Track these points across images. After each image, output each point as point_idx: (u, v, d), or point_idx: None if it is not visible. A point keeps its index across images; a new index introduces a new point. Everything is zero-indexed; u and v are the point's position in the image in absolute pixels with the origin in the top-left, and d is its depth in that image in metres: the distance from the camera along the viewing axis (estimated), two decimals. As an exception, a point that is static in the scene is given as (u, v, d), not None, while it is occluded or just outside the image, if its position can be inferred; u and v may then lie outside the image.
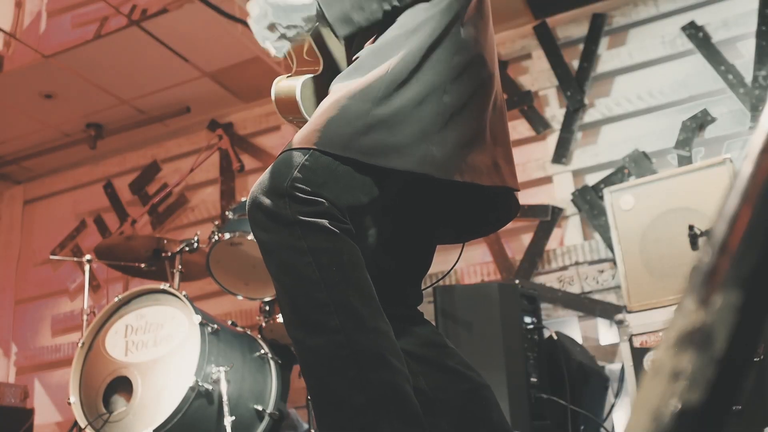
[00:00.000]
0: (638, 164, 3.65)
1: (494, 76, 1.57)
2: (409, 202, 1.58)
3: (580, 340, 3.43)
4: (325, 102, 1.42)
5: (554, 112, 3.98)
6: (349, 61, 1.59)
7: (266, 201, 1.32)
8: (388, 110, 1.37)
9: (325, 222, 1.29)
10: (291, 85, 1.55)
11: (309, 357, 1.29)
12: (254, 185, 1.38)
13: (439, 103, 1.41)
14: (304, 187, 1.30)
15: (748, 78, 3.52)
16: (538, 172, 3.91)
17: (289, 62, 1.63)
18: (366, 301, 1.29)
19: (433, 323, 2.86)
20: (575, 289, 3.64)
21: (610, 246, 3.53)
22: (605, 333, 3.56)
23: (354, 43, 1.58)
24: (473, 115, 1.49)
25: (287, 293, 1.31)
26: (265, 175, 1.37)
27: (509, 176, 1.59)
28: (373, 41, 1.49)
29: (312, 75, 1.57)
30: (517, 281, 3.19)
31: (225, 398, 2.65)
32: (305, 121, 1.53)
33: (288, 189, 1.30)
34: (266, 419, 2.89)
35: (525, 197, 3.93)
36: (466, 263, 3.98)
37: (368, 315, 1.28)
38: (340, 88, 1.42)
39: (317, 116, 1.40)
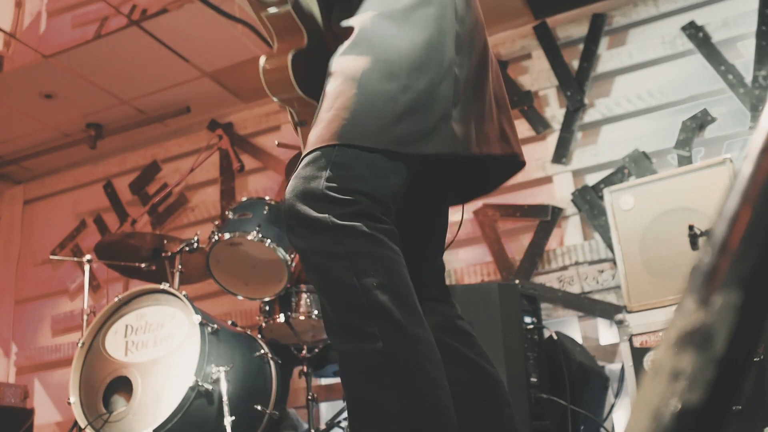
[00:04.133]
0: (638, 164, 3.65)
1: (487, 40, 1.55)
2: (422, 177, 1.54)
3: (580, 340, 3.43)
4: (337, 84, 1.36)
5: (554, 112, 3.98)
6: (330, 25, 1.53)
7: (302, 207, 1.27)
8: (414, 95, 1.33)
9: (363, 225, 1.26)
10: (281, 61, 1.48)
11: (347, 363, 1.27)
12: (287, 191, 1.33)
13: (453, 79, 1.38)
14: (338, 185, 1.27)
15: (748, 78, 3.52)
16: (538, 172, 3.91)
17: (269, 39, 1.55)
18: (405, 307, 1.25)
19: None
20: (575, 289, 3.64)
21: (610, 246, 3.53)
22: (605, 333, 3.56)
23: (335, 9, 1.51)
24: (480, 84, 1.47)
25: (326, 299, 1.29)
26: (296, 180, 1.33)
27: (515, 143, 1.58)
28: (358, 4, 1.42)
29: (298, 49, 1.49)
30: (517, 281, 3.19)
31: (225, 398, 2.65)
32: (297, 99, 1.48)
33: (323, 191, 1.27)
34: (266, 419, 2.89)
35: (525, 197, 3.93)
36: (466, 263, 3.99)
37: (407, 322, 1.24)
38: (351, 68, 1.36)
39: (339, 105, 1.33)
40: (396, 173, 1.33)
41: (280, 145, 3.55)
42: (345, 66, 1.37)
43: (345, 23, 1.44)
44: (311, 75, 1.49)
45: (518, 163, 1.62)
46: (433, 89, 1.35)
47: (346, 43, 1.41)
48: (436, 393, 1.23)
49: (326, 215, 1.25)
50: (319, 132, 1.34)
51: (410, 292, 1.28)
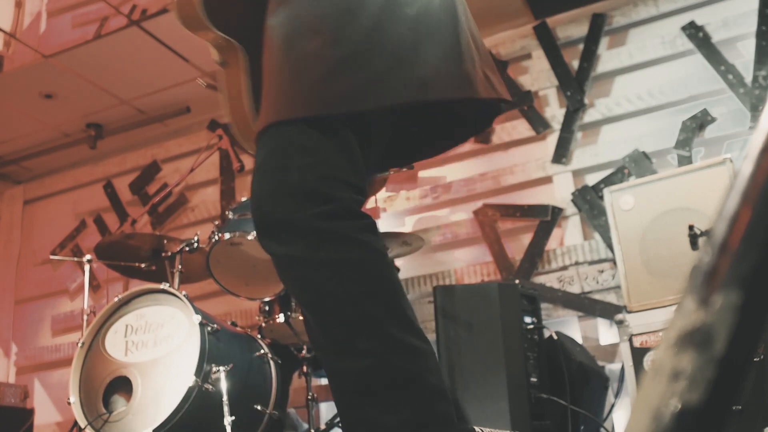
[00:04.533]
0: (638, 164, 3.65)
1: None
2: (398, 126, 1.39)
3: (580, 340, 3.43)
4: (268, 54, 1.24)
5: (554, 112, 3.98)
6: None
7: (274, 206, 1.15)
8: (349, 46, 1.18)
9: (344, 226, 1.14)
10: None
11: (339, 381, 1.17)
12: (255, 187, 1.20)
13: (402, 20, 1.22)
14: (311, 176, 1.14)
15: (748, 78, 3.52)
16: (538, 172, 3.91)
17: None
18: (396, 316, 1.15)
19: (433, 323, 2.86)
20: (575, 289, 3.64)
21: (610, 246, 3.53)
22: (605, 333, 3.56)
23: None
24: (449, 23, 1.31)
25: (309, 312, 1.18)
26: (262, 173, 1.20)
27: (500, 85, 1.39)
28: None
29: None
30: (517, 281, 3.19)
31: (225, 398, 2.65)
32: (218, 37, 1.34)
33: (297, 184, 1.14)
34: (266, 419, 2.89)
35: (525, 197, 3.93)
36: (466, 263, 3.99)
37: (399, 332, 1.14)
38: (277, 33, 1.23)
39: (274, 79, 1.20)
40: (363, 139, 1.21)
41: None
42: (272, 32, 1.25)
43: None
44: (231, 11, 1.36)
45: (499, 107, 1.45)
46: (374, 35, 1.19)
47: (274, 3, 1.29)
48: (436, 402, 1.15)
49: (304, 215, 1.13)
50: (264, 112, 1.21)
51: (400, 297, 1.18)
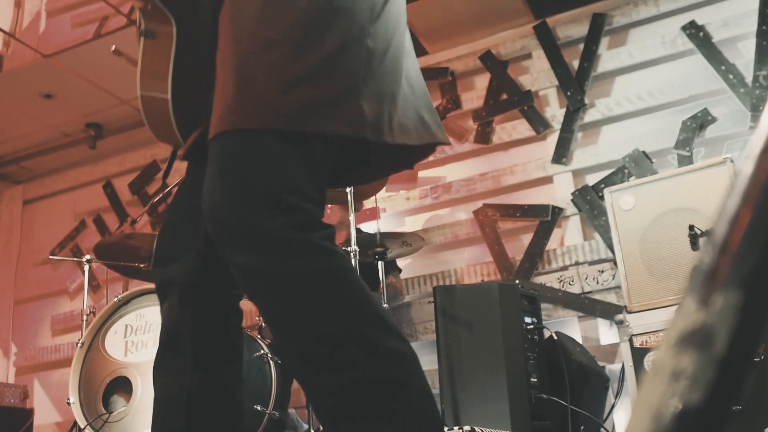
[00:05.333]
0: (638, 164, 3.65)
1: (406, 23, 1.35)
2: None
3: (580, 341, 3.43)
4: (224, 56, 1.20)
5: (554, 112, 3.98)
6: None
7: (239, 213, 1.09)
8: (313, 61, 1.14)
9: (311, 236, 1.10)
10: None
11: (319, 395, 1.10)
12: (212, 192, 1.12)
13: (363, 49, 1.19)
14: (276, 185, 1.09)
15: (749, 78, 3.52)
16: (538, 172, 3.91)
17: None
18: (374, 321, 1.11)
19: (433, 323, 2.86)
20: (575, 289, 3.64)
21: (610, 246, 3.53)
22: (605, 333, 3.56)
23: None
24: (396, 62, 1.27)
25: (283, 327, 1.12)
26: (223, 178, 1.13)
27: (436, 128, 1.34)
28: None
29: None
30: (517, 281, 3.19)
31: (225, 398, 2.64)
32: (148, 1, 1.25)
33: (262, 193, 1.09)
34: (266, 419, 2.88)
35: (525, 197, 3.93)
36: (466, 263, 3.99)
37: (380, 338, 1.09)
38: (238, 34, 1.19)
39: (228, 82, 1.16)
40: (323, 157, 1.17)
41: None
42: (232, 28, 1.20)
43: None
44: None
45: (432, 149, 1.39)
46: (334, 60, 1.16)
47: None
48: (426, 405, 1.12)
49: (270, 225, 1.08)
50: (219, 114, 1.16)
51: (374, 301, 1.14)
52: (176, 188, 1.46)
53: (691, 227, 2.66)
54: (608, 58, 3.92)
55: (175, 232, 1.36)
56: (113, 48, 2.93)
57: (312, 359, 1.09)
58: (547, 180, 3.91)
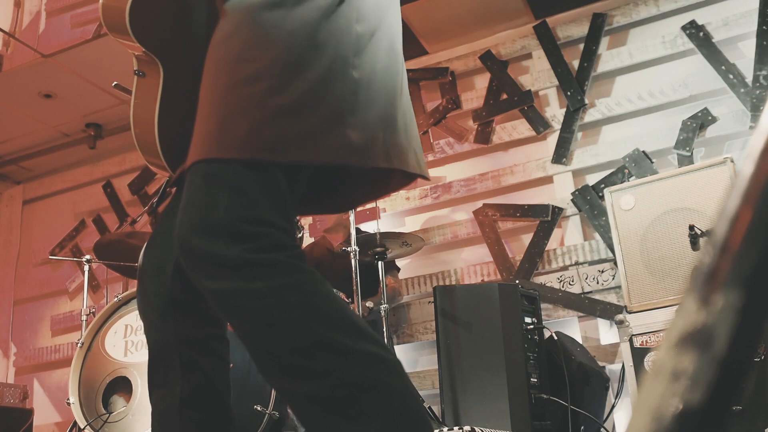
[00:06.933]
0: (638, 164, 3.64)
1: (401, 52, 1.38)
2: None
3: (580, 341, 3.43)
4: (208, 87, 1.24)
5: (554, 112, 3.98)
6: None
7: (203, 243, 1.14)
8: (292, 96, 1.19)
9: (276, 255, 1.14)
10: (120, 1, 1.31)
11: (302, 406, 1.14)
12: (180, 224, 1.18)
13: (347, 82, 1.23)
14: (240, 215, 1.14)
15: (749, 78, 3.52)
16: (539, 172, 3.91)
17: None
18: (345, 328, 1.14)
19: (433, 323, 2.86)
20: (575, 289, 3.64)
21: (610, 246, 3.53)
22: (606, 333, 3.56)
23: None
24: (389, 89, 1.32)
25: (258, 345, 1.15)
26: (190, 209, 1.18)
27: (424, 165, 1.40)
28: None
29: None
30: (517, 281, 3.19)
31: (225, 398, 2.64)
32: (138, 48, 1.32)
33: (224, 223, 1.14)
34: (266, 419, 2.88)
35: (525, 197, 3.93)
36: (467, 263, 3.99)
37: (353, 343, 1.13)
38: (222, 69, 1.23)
39: (209, 113, 1.20)
40: (290, 186, 1.21)
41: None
42: (215, 66, 1.25)
43: (225, 5, 1.29)
44: (160, 28, 1.36)
45: (408, 182, 1.43)
46: (317, 91, 1.20)
47: (220, 34, 1.28)
48: (407, 405, 1.14)
49: (231, 252, 1.12)
50: (196, 144, 1.21)
51: (345, 309, 1.17)
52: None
53: (692, 227, 2.66)
54: (608, 58, 3.92)
55: (156, 250, 1.42)
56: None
57: (289, 372, 1.13)
58: (547, 180, 3.91)
